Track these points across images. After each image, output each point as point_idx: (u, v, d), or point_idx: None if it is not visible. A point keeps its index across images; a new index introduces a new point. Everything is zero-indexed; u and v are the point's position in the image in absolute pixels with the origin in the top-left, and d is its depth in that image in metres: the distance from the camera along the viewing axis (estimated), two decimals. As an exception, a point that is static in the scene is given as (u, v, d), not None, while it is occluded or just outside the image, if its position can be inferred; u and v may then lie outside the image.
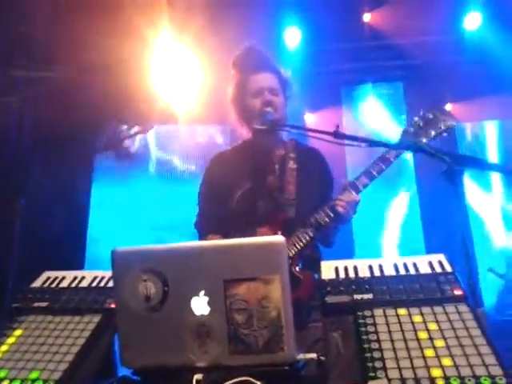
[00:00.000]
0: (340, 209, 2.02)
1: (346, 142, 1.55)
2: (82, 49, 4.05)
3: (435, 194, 4.66)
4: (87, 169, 4.46)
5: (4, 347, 1.36)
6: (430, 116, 2.07)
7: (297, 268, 2.03)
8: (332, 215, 2.03)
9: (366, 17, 5.13)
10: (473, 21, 4.95)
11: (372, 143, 1.53)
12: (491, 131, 5.43)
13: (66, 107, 3.72)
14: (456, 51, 5.13)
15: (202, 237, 2.24)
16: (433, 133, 2.05)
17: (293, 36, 5.02)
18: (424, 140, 2.03)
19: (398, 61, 5.25)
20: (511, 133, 5.34)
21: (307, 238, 2.03)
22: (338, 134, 1.59)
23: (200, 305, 1.25)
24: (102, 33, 3.98)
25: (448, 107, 5.03)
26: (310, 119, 5.21)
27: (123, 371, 1.45)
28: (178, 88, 4.40)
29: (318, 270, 1.53)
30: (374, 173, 2.04)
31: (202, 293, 1.25)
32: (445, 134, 2.07)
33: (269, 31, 4.76)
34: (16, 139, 3.66)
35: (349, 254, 4.57)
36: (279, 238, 1.24)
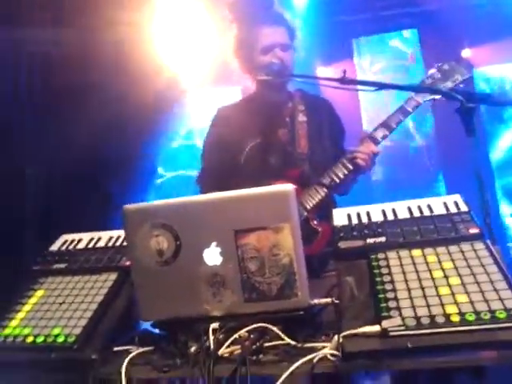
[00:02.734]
0: (360, 161, 1.98)
1: (357, 87, 1.50)
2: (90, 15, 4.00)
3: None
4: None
5: (27, 307, 1.41)
6: (446, 67, 2.00)
7: (315, 221, 2.02)
8: (351, 167, 2.00)
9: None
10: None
11: (381, 86, 1.48)
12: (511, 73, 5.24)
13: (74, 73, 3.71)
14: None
15: (204, 192, 2.15)
16: (450, 84, 1.98)
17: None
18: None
19: (411, 8, 5.05)
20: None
21: (325, 190, 2.01)
22: (345, 80, 1.55)
23: (212, 256, 1.26)
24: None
25: (466, 52, 4.86)
26: (323, 73, 5.09)
27: (144, 325, 1.49)
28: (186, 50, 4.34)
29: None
30: (393, 124, 2.00)
31: (214, 244, 1.25)
32: (461, 85, 1.99)
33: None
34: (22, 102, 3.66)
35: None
36: (288, 187, 1.23)
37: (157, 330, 1.39)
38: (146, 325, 1.45)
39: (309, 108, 2.21)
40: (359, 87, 1.52)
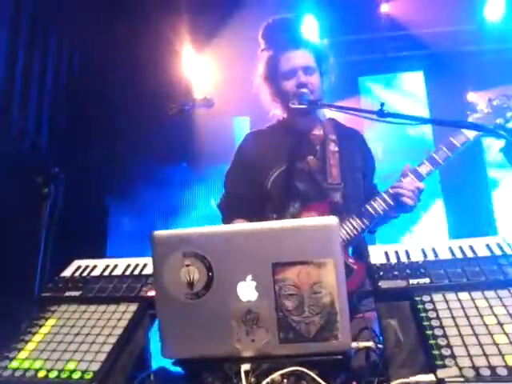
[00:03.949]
0: (405, 198, 1.89)
1: (394, 120, 1.46)
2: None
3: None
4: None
5: (38, 337, 1.29)
6: (497, 102, 1.93)
7: (350, 259, 1.94)
8: (392, 203, 1.91)
9: (384, 7, 5.04)
10: (494, 9, 4.83)
11: (423, 121, 1.44)
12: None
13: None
14: (476, 41, 5.02)
15: (226, 218, 2.11)
16: (501, 121, 1.91)
17: (309, 26, 4.91)
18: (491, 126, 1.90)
19: (417, 51, 5.14)
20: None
21: (362, 225, 1.92)
22: (382, 113, 1.50)
23: (247, 290, 1.16)
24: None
25: (471, 96, 4.92)
26: (327, 111, 5.11)
27: (158, 362, 1.38)
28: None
29: (366, 258, 1.44)
30: (439, 159, 1.91)
31: (249, 277, 1.17)
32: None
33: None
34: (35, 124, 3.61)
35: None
36: (332, 219, 1.16)
37: (177, 369, 1.29)
38: (162, 362, 1.35)
39: (341, 138, 2.16)
40: (399, 121, 1.46)
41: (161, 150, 4.38)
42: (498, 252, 1.32)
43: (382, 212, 1.90)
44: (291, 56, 2.07)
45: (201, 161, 4.93)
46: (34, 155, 3.03)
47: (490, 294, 1.19)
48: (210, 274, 1.18)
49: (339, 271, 1.14)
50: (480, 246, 1.36)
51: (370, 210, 1.91)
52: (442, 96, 4.81)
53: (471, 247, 1.35)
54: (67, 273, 1.56)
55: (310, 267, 1.14)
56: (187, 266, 1.19)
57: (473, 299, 1.18)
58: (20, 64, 3.65)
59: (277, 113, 2.18)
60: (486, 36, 4.97)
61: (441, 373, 0.99)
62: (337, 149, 2.10)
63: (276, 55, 2.10)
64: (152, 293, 1.38)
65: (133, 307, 1.35)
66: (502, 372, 0.97)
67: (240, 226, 1.23)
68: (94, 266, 1.57)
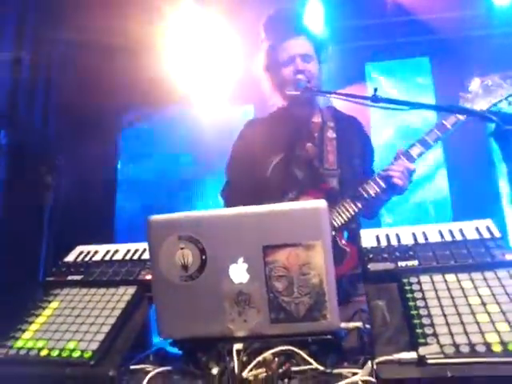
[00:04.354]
0: (395, 179, 1.91)
1: (386, 105, 1.48)
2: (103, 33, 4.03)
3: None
4: (112, 145, 4.49)
5: (41, 319, 1.35)
6: (490, 82, 1.93)
7: (343, 240, 1.97)
8: (384, 186, 1.94)
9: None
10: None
11: (413, 106, 1.46)
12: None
13: (88, 85, 3.73)
14: (484, 25, 4.95)
15: (227, 206, 2.16)
16: (493, 100, 1.91)
17: (315, 10, 4.89)
18: (484, 106, 1.91)
19: (424, 36, 5.09)
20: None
21: (355, 208, 1.95)
22: (376, 98, 1.53)
23: (239, 272, 1.21)
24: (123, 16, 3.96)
25: (476, 82, 4.88)
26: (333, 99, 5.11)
27: (159, 343, 1.43)
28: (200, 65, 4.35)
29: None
30: (430, 141, 1.92)
31: (241, 260, 1.21)
32: (505, 103, 1.92)
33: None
34: (42, 118, 3.68)
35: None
36: (321, 203, 1.19)
37: (174, 349, 1.34)
38: (162, 343, 1.40)
39: (339, 125, 2.19)
40: (391, 106, 1.48)
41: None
42: (486, 235, 1.34)
43: (374, 194, 1.93)
44: (289, 44, 2.11)
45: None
46: (42, 147, 3.11)
47: (476, 275, 1.21)
48: (204, 257, 1.22)
49: (327, 253, 1.17)
50: (469, 229, 1.38)
51: (363, 192, 1.94)
52: (448, 82, 4.77)
53: (461, 230, 1.38)
54: (70, 258, 1.61)
55: (298, 249, 1.18)
56: (182, 249, 1.23)
57: (459, 280, 1.21)
58: (27, 62, 3.72)
59: (277, 102, 2.21)
60: (494, 20, 4.91)
61: (422, 350, 1.02)
62: (334, 135, 2.13)
63: (275, 45, 2.14)
64: (150, 276, 1.42)
65: (131, 290, 1.41)
66: (481, 349, 1.00)
67: (231, 210, 1.26)
68: (96, 252, 1.62)
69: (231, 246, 1.21)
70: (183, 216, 1.26)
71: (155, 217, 1.26)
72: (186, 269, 1.23)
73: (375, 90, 1.52)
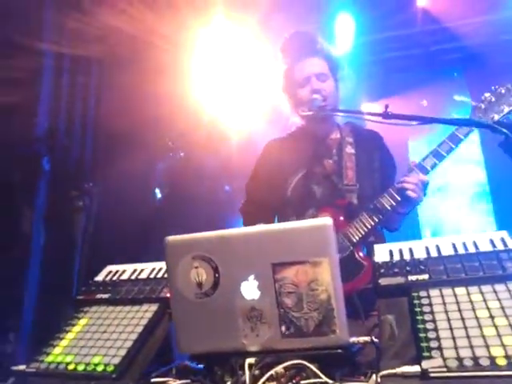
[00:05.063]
0: (409, 192, 1.92)
1: (399, 121, 1.49)
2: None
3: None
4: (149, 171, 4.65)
5: (71, 335, 1.45)
6: (503, 91, 1.91)
7: (360, 253, 1.98)
8: (399, 198, 1.95)
9: (420, 1, 4.96)
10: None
11: (423, 121, 1.47)
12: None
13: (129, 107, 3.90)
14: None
15: (246, 223, 2.24)
16: (506, 108, 1.89)
17: (345, 24, 4.91)
18: (496, 116, 1.90)
19: (455, 43, 5.01)
20: None
21: (371, 222, 1.97)
22: (387, 115, 1.55)
23: (250, 289, 1.26)
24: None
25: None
26: (368, 108, 5.09)
27: (182, 357, 1.49)
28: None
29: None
30: (443, 152, 1.93)
31: (252, 277, 1.26)
32: None
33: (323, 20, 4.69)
34: (80, 142, 3.87)
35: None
36: (326, 220, 1.23)
37: (194, 363, 1.40)
38: (185, 357, 1.46)
39: (358, 141, 2.21)
40: (402, 122, 1.50)
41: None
42: (500, 247, 1.33)
43: (389, 208, 1.94)
44: (305, 64, 2.16)
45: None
46: (76, 171, 3.29)
47: (486, 288, 1.21)
48: (217, 275, 1.28)
49: (334, 269, 1.20)
50: (483, 241, 1.37)
51: (378, 206, 1.95)
52: (483, 91, 4.66)
53: (474, 242, 1.37)
54: (100, 277, 1.71)
55: (306, 266, 1.22)
56: (196, 268, 1.30)
57: (468, 293, 1.21)
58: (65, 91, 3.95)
59: (296, 121, 2.26)
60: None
61: (425, 363, 1.04)
62: (353, 151, 2.15)
63: (291, 66, 2.20)
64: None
65: (154, 307, 1.48)
66: (485, 362, 1.00)
67: (242, 229, 1.32)
68: (124, 271, 1.72)
69: (242, 264, 1.27)
70: (197, 236, 1.33)
71: (172, 237, 1.33)
72: (201, 286, 1.29)
73: (386, 106, 1.54)
